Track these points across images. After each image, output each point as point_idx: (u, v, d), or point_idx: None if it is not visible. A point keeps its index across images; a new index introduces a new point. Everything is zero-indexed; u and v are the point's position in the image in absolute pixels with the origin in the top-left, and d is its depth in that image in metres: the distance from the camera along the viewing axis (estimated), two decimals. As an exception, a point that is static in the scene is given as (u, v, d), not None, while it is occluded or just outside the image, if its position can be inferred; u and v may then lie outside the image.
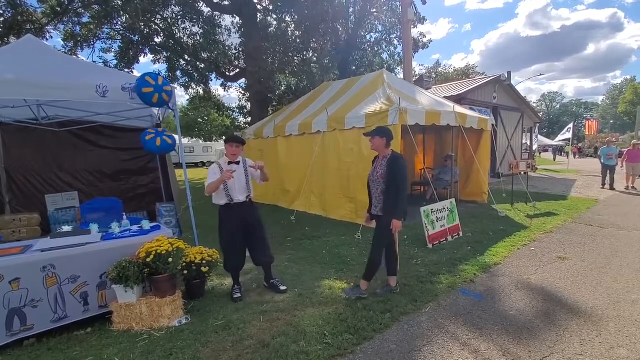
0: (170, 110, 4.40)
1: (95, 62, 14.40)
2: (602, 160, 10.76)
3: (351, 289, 3.45)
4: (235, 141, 3.51)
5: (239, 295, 3.56)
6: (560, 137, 22.24)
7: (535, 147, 19.60)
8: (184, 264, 3.31)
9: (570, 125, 20.54)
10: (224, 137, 35.04)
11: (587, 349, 2.61)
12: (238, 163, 3.55)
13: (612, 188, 10.32)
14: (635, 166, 10.41)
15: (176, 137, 4.36)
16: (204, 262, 3.43)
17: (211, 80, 18.20)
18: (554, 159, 22.45)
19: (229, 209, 3.48)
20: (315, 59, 16.42)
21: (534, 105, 55.04)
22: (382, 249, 3.39)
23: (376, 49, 18.43)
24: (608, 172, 10.54)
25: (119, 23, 14.95)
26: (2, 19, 12.91)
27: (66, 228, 3.50)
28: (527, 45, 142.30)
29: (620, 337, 2.75)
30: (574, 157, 32.92)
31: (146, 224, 3.64)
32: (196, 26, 15.91)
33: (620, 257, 4.54)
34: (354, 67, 17.07)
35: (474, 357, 2.55)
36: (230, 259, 3.57)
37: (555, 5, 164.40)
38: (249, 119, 16.77)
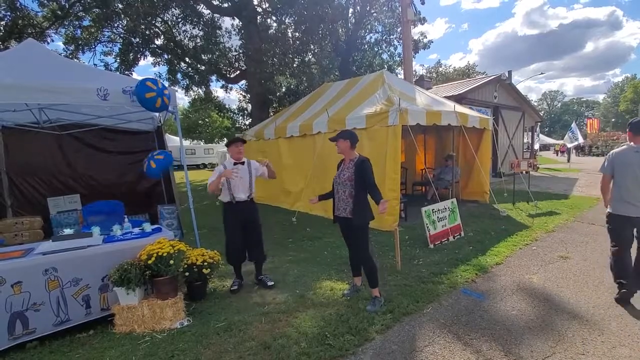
0: (171, 113, 4.41)
1: (96, 65, 14.46)
2: None
3: (372, 304, 3.27)
4: (239, 141, 3.79)
5: (235, 287, 3.76)
6: (574, 141, 21.19)
7: (536, 146, 19.39)
8: (185, 265, 3.32)
9: (573, 126, 20.21)
10: (225, 139, 35.13)
11: (589, 348, 2.60)
12: (243, 163, 3.78)
13: None
14: None
15: (176, 138, 4.41)
16: (205, 264, 3.44)
17: (212, 82, 18.26)
18: (568, 160, 22.10)
19: (230, 206, 3.74)
20: (314, 60, 16.43)
21: (535, 104, 54.86)
22: (368, 251, 3.31)
23: (376, 49, 18.44)
24: None
25: (120, 26, 15.02)
26: (2, 23, 12.98)
27: (68, 231, 3.52)
28: (525, 44, 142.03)
29: (622, 336, 2.74)
30: (557, 155, 33.57)
31: (147, 226, 3.65)
32: (196, 28, 15.97)
33: (622, 255, 4.52)
34: (354, 68, 17.07)
35: (476, 357, 2.55)
36: (232, 252, 3.81)
37: (551, 3, 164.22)
38: (249, 121, 16.80)
